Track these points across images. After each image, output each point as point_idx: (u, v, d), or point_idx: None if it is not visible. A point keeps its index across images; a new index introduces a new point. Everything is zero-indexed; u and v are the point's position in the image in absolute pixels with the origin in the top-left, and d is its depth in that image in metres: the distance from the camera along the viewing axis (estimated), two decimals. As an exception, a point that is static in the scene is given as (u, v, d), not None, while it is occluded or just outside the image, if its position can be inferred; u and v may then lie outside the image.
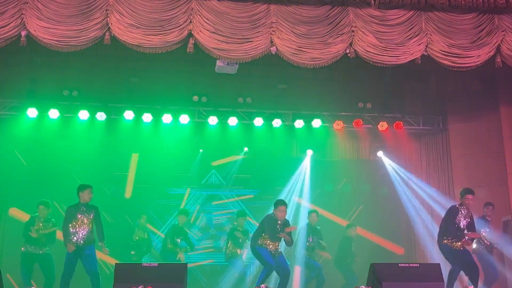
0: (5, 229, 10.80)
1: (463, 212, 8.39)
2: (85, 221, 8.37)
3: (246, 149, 11.69)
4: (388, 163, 11.91)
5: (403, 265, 7.59)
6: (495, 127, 10.65)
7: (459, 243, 8.24)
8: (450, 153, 11.18)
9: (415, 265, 7.58)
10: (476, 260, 8.69)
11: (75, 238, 8.31)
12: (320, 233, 10.22)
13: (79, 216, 8.39)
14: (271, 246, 8.42)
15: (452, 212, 8.42)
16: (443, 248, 8.37)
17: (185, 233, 10.39)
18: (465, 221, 8.37)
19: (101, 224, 8.45)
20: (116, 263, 7.08)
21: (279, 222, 8.49)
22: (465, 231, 8.30)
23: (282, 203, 8.54)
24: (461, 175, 10.96)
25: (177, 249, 10.03)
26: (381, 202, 12.02)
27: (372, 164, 12.10)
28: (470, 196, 8.42)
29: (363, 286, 7.13)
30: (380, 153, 11.99)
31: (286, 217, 8.70)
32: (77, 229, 8.33)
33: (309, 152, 11.86)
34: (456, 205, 8.57)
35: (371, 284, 7.22)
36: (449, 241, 8.28)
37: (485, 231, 9.36)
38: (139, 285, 6.57)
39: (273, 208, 8.55)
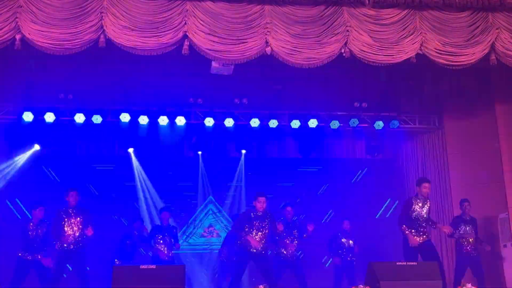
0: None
1: (419, 202, 8.47)
2: (74, 224, 8.41)
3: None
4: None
5: (401, 263, 7.60)
6: (490, 125, 10.66)
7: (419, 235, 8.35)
8: (446, 151, 11.21)
9: (413, 263, 7.58)
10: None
11: (64, 241, 8.31)
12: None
13: (67, 219, 8.41)
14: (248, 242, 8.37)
15: (407, 203, 8.53)
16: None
17: (170, 229, 10.10)
18: (422, 210, 8.45)
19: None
20: (113, 266, 7.06)
21: (258, 213, 8.49)
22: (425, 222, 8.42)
23: (261, 194, 8.55)
24: (457, 173, 10.98)
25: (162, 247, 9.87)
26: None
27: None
28: (426, 184, 8.52)
29: (361, 286, 7.12)
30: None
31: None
32: (66, 232, 8.34)
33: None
34: (412, 196, 8.67)
35: (369, 284, 7.22)
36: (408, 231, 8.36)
37: (462, 230, 9.43)
38: (137, 288, 6.56)
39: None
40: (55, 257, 8.53)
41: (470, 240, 9.42)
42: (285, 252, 9.49)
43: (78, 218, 8.53)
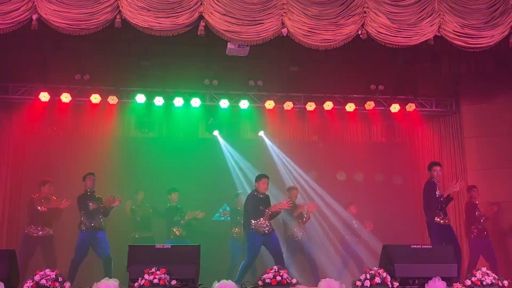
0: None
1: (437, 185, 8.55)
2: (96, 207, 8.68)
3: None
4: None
5: (415, 246, 7.59)
6: (508, 109, 10.58)
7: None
8: (463, 134, 11.14)
9: (427, 246, 7.57)
10: None
11: (87, 224, 8.51)
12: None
13: (89, 203, 8.60)
14: (255, 225, 8.44)
15: (431, 187, 8.53)
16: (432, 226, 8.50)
17: (181, 210, 10.20)
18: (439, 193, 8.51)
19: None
20: (129, 245, 7.12)
21: (260, 196, 8.56)
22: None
23: (264, 176, 8.60)
24: (474, 156, 10.93)
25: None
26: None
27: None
28: (437, 168, 8.57)
29: (375, 268, 7.13)
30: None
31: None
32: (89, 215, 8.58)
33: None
34: (431, 179, 8.65)
35: (383, 266, 7.22)
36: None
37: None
38: (153, 267, 6.62)
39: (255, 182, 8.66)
40: (79, 237, 8.77)
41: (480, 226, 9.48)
42: (296, 236, 9.49)
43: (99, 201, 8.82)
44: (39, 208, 9.13)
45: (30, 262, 8.85)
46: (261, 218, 8.51)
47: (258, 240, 8.46)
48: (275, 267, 6.97)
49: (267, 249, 8.61)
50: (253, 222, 8.51)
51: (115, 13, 7.68)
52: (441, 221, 8.49)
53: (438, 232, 8.47)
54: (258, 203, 8.59)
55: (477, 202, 9.61)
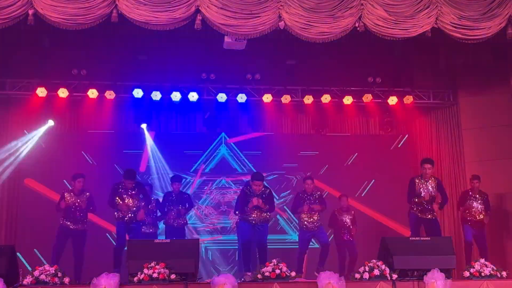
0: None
1: (423, 182, 8.82)
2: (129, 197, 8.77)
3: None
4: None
5: (414, 238, 7.62)
6: (505, 100, 10.56)
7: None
8: (460, 126, 11.16)
9: (426, 238, 7.59)
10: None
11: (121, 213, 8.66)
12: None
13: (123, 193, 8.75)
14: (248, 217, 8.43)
15: (410, 183, 8.90)
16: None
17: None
18: (426, 189, 8.78)
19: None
20: (128, 240, 7.14)
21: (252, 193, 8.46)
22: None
23: (257, 178, 8.44)
24: (471, 148, 10.95)
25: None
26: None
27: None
28: (427, 165, 8.82)
29: (374, 260, 7.14)
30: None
31: None
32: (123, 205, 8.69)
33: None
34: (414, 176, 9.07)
35: (382, 258, 7.24)
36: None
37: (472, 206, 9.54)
38: (152, 261, 6.63)
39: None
40: (116, 225, 8.85)
41: (477, 216, 9.50)
42: (307, 224, 9.37)
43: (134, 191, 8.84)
44: (70, 202, 9.08)
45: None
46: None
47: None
48: (274, 260, 6.99)
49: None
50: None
51: (112, 8, 7.65)
52: (419, 214, 8.79)
53: (412, 222, 8.88)
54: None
55: (476, 194, 9.61)
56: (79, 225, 9.05)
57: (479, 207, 9.51)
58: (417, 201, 8.79)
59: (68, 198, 9.07)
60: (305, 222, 9.26)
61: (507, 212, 10.45)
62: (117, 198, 8.71)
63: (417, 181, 8.86)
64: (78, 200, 9.10)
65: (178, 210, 9.71)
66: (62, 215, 9.05)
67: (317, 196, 9.46)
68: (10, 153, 10.63)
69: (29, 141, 10.89)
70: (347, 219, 10.20)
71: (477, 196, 9.57)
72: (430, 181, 8.85)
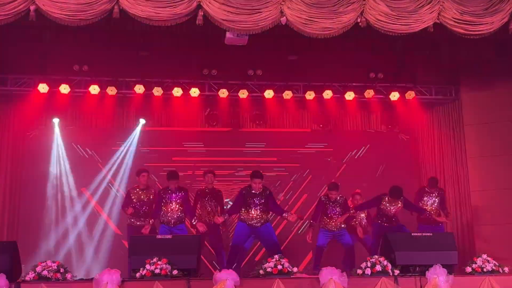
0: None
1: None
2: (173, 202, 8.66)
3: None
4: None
5: (416, 234, 7.62)
6: (508, 96, 10.56)
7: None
8: (462, 122, 11.13)
9: (428, 234, 7.59)
10: None
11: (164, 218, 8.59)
12: None
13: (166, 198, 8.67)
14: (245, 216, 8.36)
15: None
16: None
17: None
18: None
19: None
20: (130, 236, 7.14)
21: (253, 191, 8.36)
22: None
23: (256, 176, 8.34)
24: (473, 144, 10.92)
25: None
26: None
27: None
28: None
29: (376, 256, 7.15)
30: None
31: None
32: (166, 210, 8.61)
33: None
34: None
35: (384, 254, 7.25)
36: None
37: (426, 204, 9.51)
38: (154, 257, 6.64)
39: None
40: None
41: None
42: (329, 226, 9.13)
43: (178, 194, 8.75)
44: (134, 199, 9.03)
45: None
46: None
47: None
48: (276, 256, 6.99)
49: None
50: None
51: (113, 3, 7.62)
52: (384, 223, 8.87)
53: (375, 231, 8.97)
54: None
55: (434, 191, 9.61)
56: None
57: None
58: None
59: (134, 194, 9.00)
60: (327, 226, 9.00)
61: (508, 209, 10.41)
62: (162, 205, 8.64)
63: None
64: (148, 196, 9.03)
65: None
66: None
67: (342, 202, 9.11)
68: None
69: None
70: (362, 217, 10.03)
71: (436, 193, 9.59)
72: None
